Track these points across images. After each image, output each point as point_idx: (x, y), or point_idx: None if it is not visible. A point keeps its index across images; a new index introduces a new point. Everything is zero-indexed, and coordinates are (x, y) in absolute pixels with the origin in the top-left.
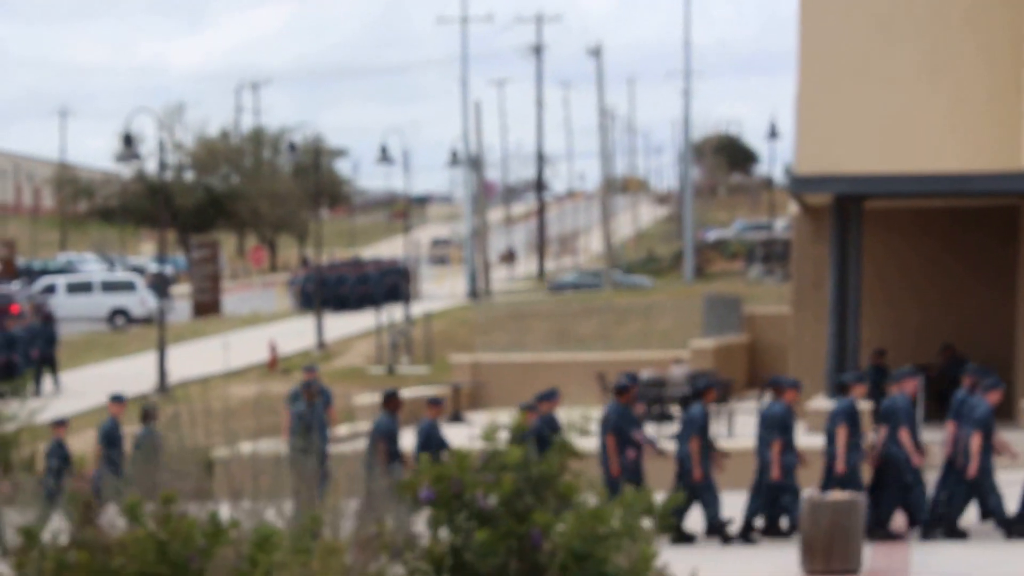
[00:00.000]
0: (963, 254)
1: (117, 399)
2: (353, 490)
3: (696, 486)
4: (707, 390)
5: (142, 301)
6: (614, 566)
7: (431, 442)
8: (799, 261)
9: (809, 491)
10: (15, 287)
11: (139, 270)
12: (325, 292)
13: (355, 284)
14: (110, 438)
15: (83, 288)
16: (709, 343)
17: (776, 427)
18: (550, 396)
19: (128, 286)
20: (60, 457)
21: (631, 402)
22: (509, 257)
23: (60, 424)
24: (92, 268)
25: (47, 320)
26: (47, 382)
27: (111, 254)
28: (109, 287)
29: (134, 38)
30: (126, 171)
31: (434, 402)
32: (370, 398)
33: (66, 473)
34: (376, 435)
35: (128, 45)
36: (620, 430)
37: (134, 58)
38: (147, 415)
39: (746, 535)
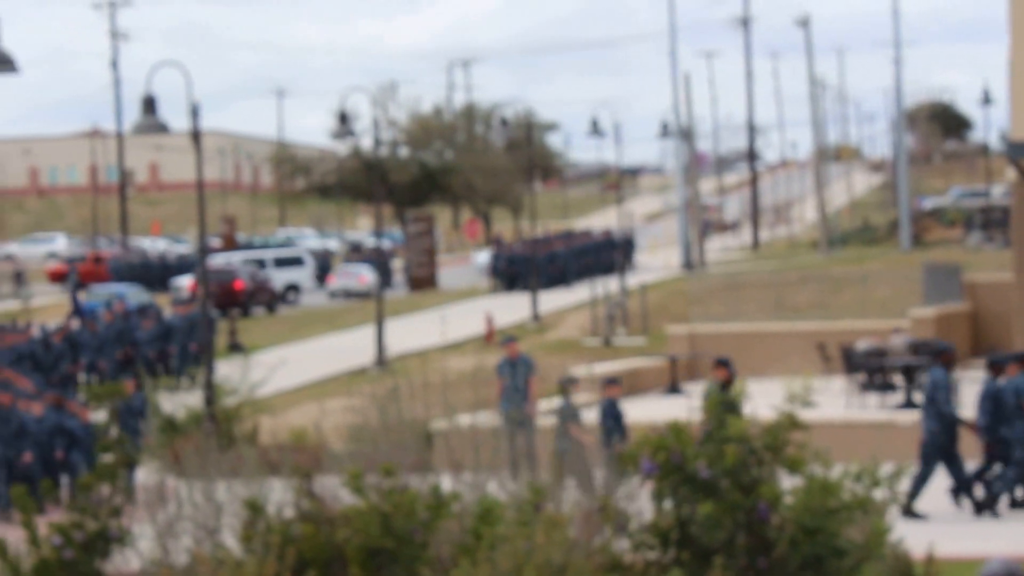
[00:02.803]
0: None
1: (722, 363)
2: (572, 464)
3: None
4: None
5: (312, 276)
6: (846, 540)
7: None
8: (1020, 227)
9: None
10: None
11: (357, 245)
12: (516, 270)
13: (544, 263)
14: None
15: (257, 265)
16: (930, 312)
17: None
18: None
19: (297, 262)
20: (613, 417)
21: None
22: (726, 227)
23: (612, 383)
24: (311, 243)
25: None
26: (199, 373)
27: (328, 229)
28: (281, 263)
29: (350, 18)
30: (342, 148)
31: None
32: (585, 370)
33: (620, 434)
34: (931, 389)
35: (344, 25)
36: None
37: (350, 38)
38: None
39: None
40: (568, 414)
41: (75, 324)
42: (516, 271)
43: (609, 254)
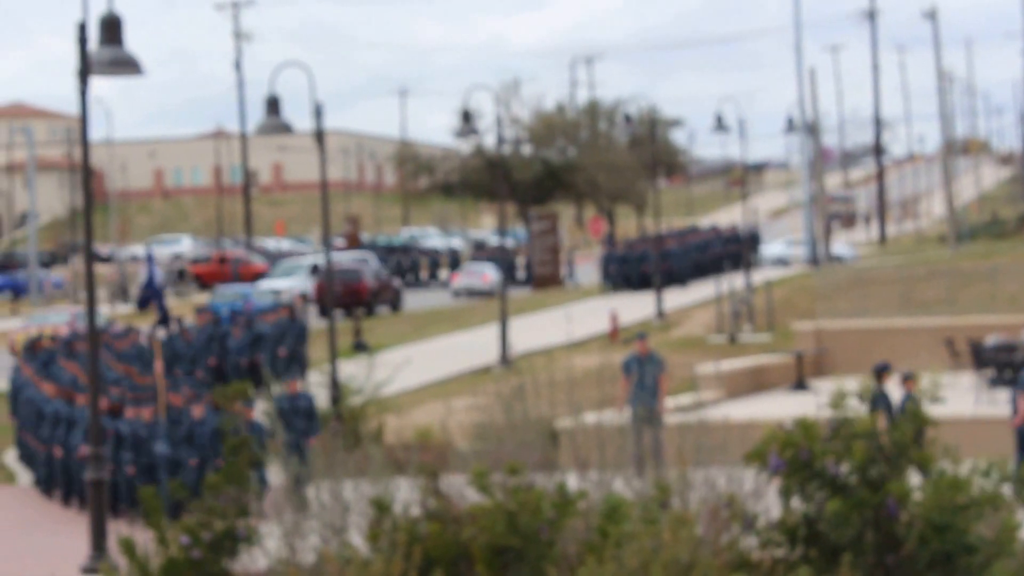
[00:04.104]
0: None
1: None
2: (700, 459)
3: None
4: None
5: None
6: (976, 537)
7: None
8: None
9: None
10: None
11: (480, 244)
12: (627, 270)
13: (657, 262)
14: None
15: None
16: None
17: None
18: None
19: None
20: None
21: None
22: (853, 221)
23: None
24: (434, 242)
25: (294, 316)
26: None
27: (452, 228)
28: None
29: (473, 17)
30: (465, 147)
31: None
32: (711, 367)
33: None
34: None
35: (467, 24)
36: None
37: (473, 36)
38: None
39: None
40: (883, 403)
41: (161, 333)
42: (627, 271)
43: (730, 250)
